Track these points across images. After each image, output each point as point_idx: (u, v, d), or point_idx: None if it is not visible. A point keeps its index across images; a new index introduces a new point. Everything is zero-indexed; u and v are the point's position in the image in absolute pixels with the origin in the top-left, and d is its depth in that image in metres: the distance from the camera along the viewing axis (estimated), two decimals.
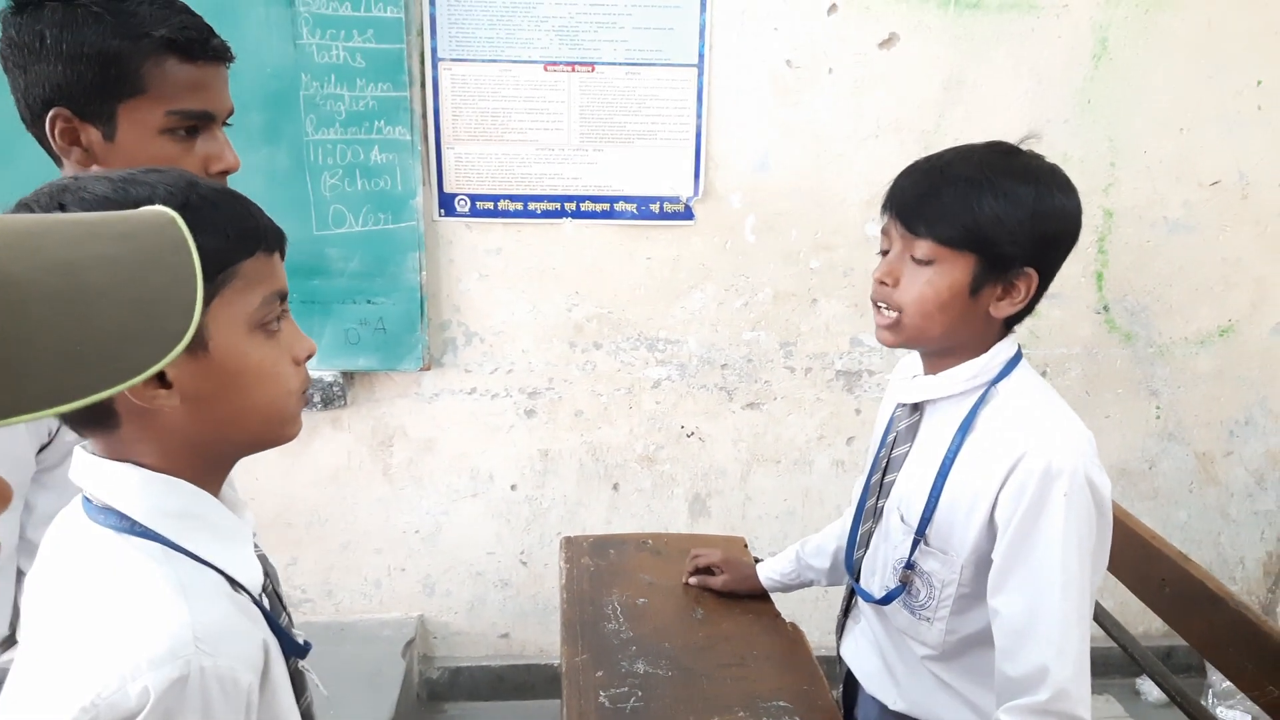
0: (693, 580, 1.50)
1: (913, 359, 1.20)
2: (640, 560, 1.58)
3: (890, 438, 1.18)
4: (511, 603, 2.45)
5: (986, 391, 1.09)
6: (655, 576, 1.52)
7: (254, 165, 2.01)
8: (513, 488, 2.36)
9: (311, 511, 2.33)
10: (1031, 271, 1.05)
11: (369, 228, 2.08)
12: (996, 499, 1.05)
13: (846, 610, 1.30)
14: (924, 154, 1.13)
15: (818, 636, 1.58)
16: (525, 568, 2.42)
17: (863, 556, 1.22)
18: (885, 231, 1.10)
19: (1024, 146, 1.08)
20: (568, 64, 2.06)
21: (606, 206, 2.16)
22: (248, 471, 2.23)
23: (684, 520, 2.42)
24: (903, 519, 1.14)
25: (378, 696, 2.15)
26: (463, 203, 2.13)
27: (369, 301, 2.13)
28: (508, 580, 2.43)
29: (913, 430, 1.15)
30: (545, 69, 2.06)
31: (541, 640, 2.48)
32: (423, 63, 2.03)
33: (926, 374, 1.14)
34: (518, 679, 2.47)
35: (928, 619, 1.14)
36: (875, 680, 1.23)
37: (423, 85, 2.04)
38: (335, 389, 2.16)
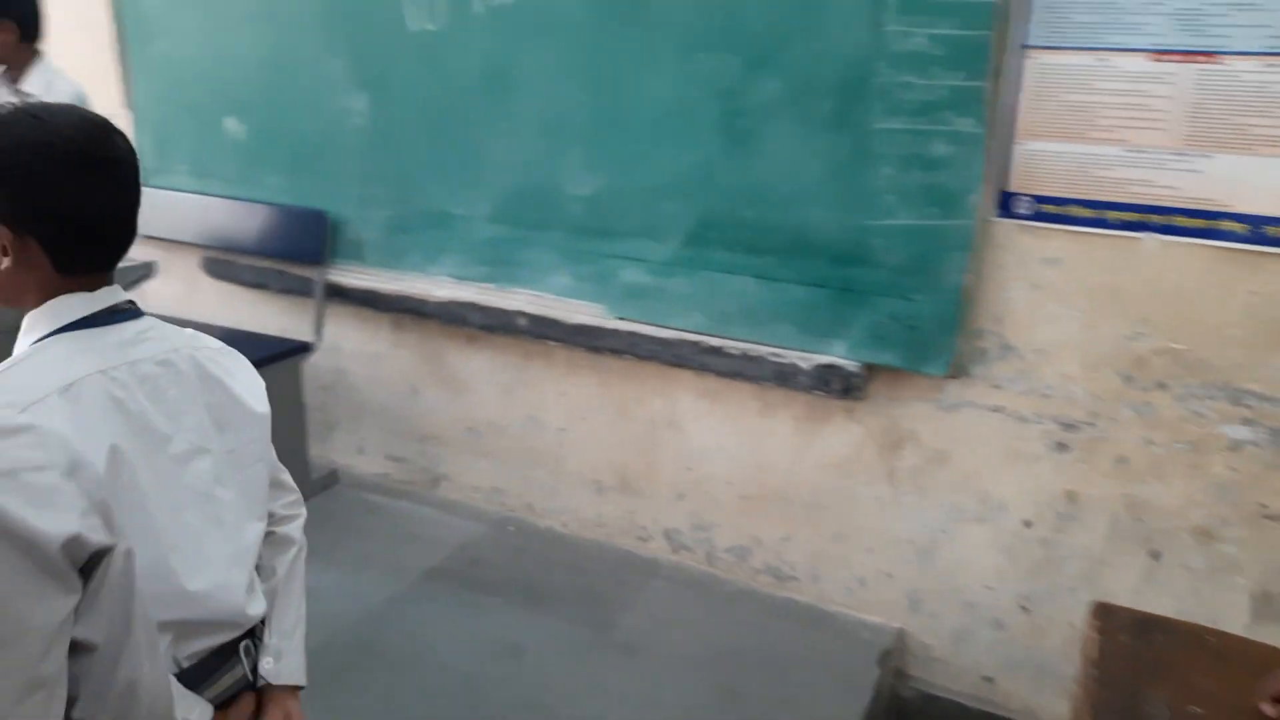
0: (1273, 713, 1.17)
1: None
2: (1195, 659, 1.29)
3: None
4: (1002, 647, 2.23)
5: None
6: (1215, 685, 1.23)
7: (817, 150, 2.05)
8: (1026, 524, 2.12)
9: (812, 494, 2.35)
10: None
11: (917, 222, 1.99)
12: None
13: None
14: None
15: None
16: (1026, 615, 2.18)
17: None
18: None
19: None
20: (1183, 52, 1.73)
21: (1205, 224, 1.79)
22: (762, 441, 2.34)
23: (1243, 619, 1.95)
24: None
25: (847, 697, 2.11)
26: (1025, 204, 1.93)
27: (904, 297, 2.05)
28: (1002, 622, 2.21)
29: None
30: (1153, 58, 1.75)
31: (1030, 698, 2.22)
32: (1002, 51, 1.86)
33: None
34: None
35: None
36: None
37: (998, 75, 1.88)
38: (855, 379, 2.14)
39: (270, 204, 2.85)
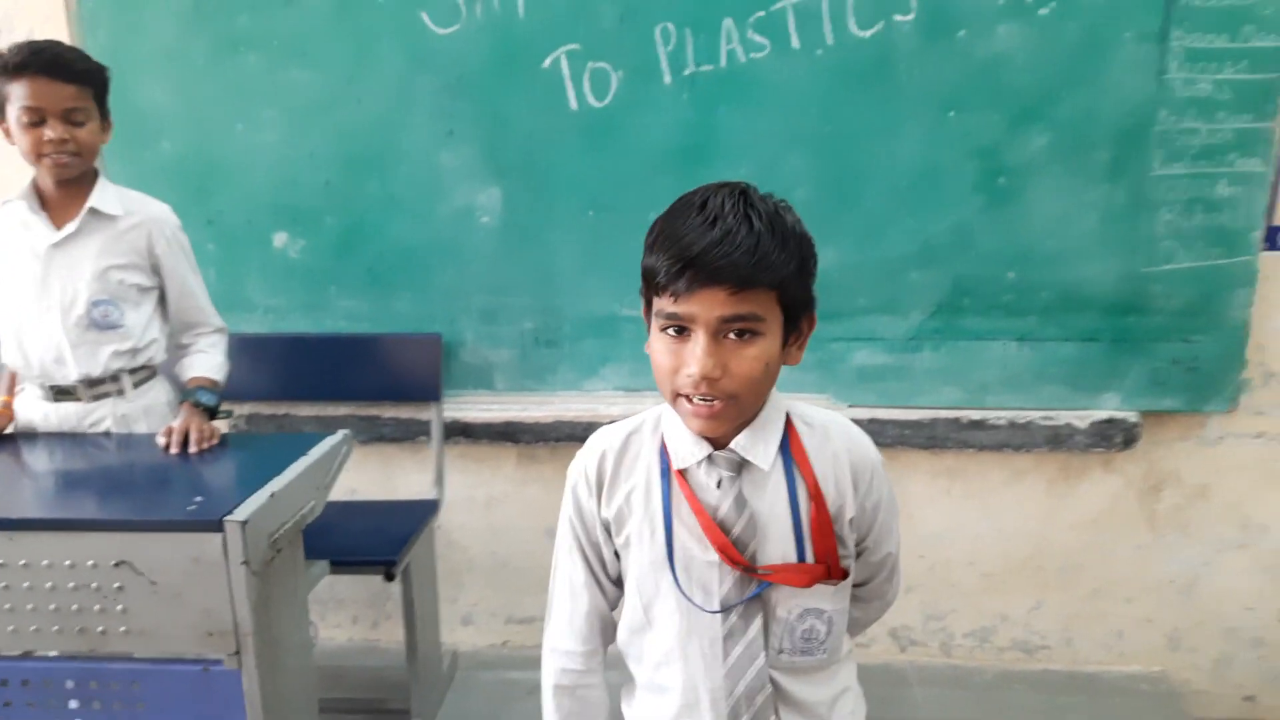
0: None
1: None
2: None
3: None
4: (1264, 664, 2.29)
5: None
6: None
7: (1090, 203, 2.01)
8: None
9: (1065, 556, 2.28)
10: None
11: (1199, 263, 2.02)
12: None
13: None
14: None
15: None
16: None
17: None
18: None
19: None
20: None
21: None
22: (1007, 510, 2.21)
23: None
24: None
25: None
26: None
27: (1185, 340, 2.06)
28: (1263, 639, 2.27)
29: None
30: None
31: None
32: None
33: None
34: None
35: None
36: None
37: (1276, 114, 1.96)
38: (1135, 430, 2.11)
39: (345, 336, 2.24)
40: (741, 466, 0.98)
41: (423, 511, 2.14)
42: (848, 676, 1.09)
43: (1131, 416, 2.10)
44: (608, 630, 1.11)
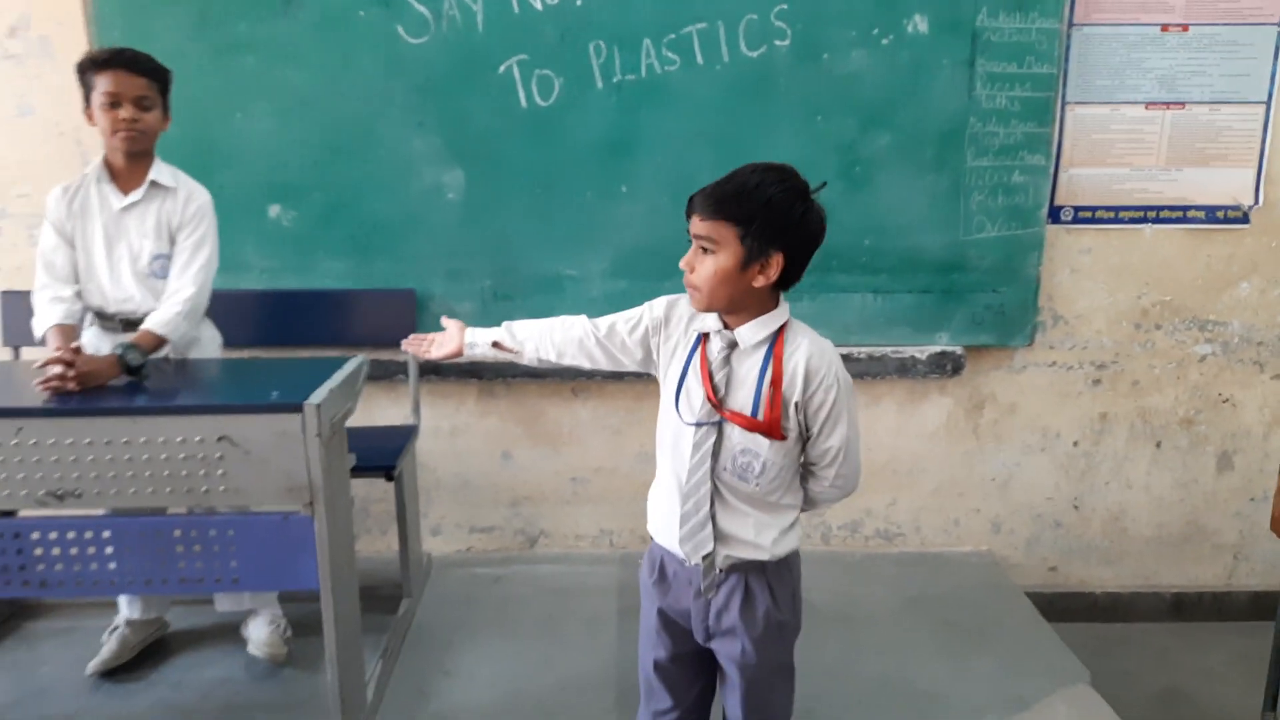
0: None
1: None
2: None
3: None
4: (1061, 540, 2.99)
5: None
6: None
7: (922, 187, 2.64)
8: (1074, 444, 2.90)
9: (913, 461, 2.92)
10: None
11: (1002, 234, 2.68)
12: None
13: None
14: None
15: None
16: (1076, 511, 2.96)
17: None
18: None
19: None
20: (1164, 103, 2.63)
21: (1180, 214, 2.71)
22: (869, 428, 2.84)
23: (1211, 474, 2.92)
24: None
25: (1005, 598, 2.71)
26: (1067, 213, 2.71)
27: (994, 291, 2.72)
28: (1060, 521, 2.97)
29: None
30: (1146, 108, 2.63)
31: (1083, 573, 3.00)
32: (1057, 106, 2.62)
33: None
34: (1063, 605, 2.98)
35: None
36: None
37: (1052, 123, 2.63)
38: (960, 360, 2.76)
39: (331, 291, 2.69)
40: (734, 345, 1.44)
41: (405, 433, 2.62)
42: (780, 523, 1.49)
43: (959, 350, 2.75)
44: (593, 354, 1.60)
